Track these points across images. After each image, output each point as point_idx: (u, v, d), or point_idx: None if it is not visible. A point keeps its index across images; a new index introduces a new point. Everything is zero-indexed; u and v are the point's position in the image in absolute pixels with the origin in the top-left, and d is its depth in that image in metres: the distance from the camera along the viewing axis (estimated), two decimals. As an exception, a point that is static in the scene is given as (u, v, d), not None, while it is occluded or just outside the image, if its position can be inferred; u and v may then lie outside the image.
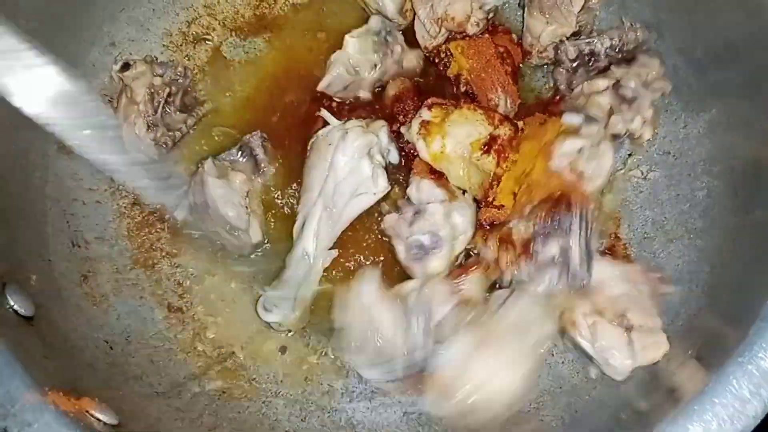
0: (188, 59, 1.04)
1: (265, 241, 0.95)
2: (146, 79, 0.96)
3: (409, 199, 0.90)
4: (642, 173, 0.96)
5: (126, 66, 0.97)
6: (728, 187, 0.86)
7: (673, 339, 0.82)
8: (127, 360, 0.87)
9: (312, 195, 0.91)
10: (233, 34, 1.05)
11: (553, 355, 0.92)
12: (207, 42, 1.05)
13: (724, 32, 0.86)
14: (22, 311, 0.75)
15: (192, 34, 1.04)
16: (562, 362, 0.91)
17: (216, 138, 1.01)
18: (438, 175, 0.90)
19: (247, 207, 0.92)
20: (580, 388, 0.87)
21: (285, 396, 0.91)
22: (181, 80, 0.99)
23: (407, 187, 0.91)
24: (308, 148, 0.94)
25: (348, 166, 0.90)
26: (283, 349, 0.93)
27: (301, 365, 0.93)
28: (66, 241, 0.90)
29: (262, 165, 0.97)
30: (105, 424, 0.71)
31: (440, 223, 0.87)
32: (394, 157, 0.94)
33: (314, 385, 0.92)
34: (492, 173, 0.88)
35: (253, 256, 0.96)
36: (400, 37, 1.00)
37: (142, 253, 0.96)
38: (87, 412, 0.70)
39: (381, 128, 0.94)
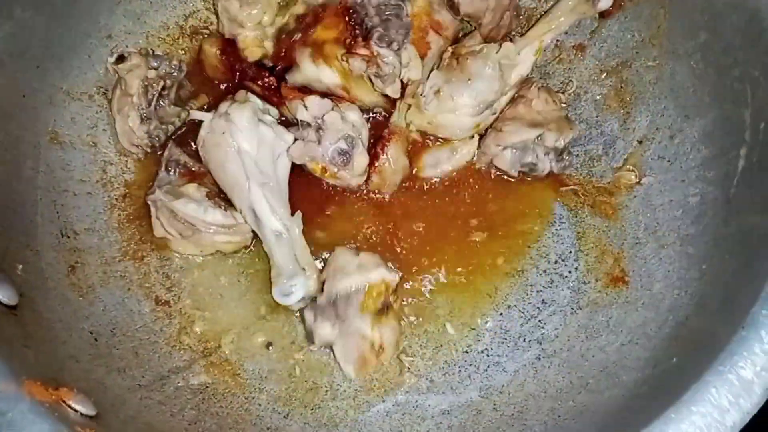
0: (185, 53, 1.04)
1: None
2: (141, 72, 0.96)
3: (301, 122, 0.92)
4: (635, 177, 0.95)
5: (121, 58, 0.97)
6: (722, 194, 0.85)
7: (659, 346, 0.81)
8: (111, 352, 0.87)
9: (242, 185, 0.90)
10: (230, 28, 1.05)
11: (539, 359, 0.91)
12: (204, 35, 1.04)
13: (721, 37, 0.85)
14: (5, 300, 0.75)
15: (189, 27, 1.04)
16: (548, 366, 0.90)
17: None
18: (307, 91, 0.94)
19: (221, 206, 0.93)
20: (564, 392, 0.86)
21: (269, 392, 0.91)
22: (176, 74, 0.99)
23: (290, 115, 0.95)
24: (200, 152, 0.94)
25: (253, 140, 0.90)
26: (269, 345, 0.93)
27: (287, 361, 0.93)
28: (55, 232, 0.90)
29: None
30: (82, 414, 0.71)
31: (343, 125, 0.91)
32: (273, 111, 0.96)
33: (298, 381, 0.92)
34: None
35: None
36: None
37: (132, 245, 0.96)
38: (64, 402, 0.70)
39: (247, 95, 0.95)
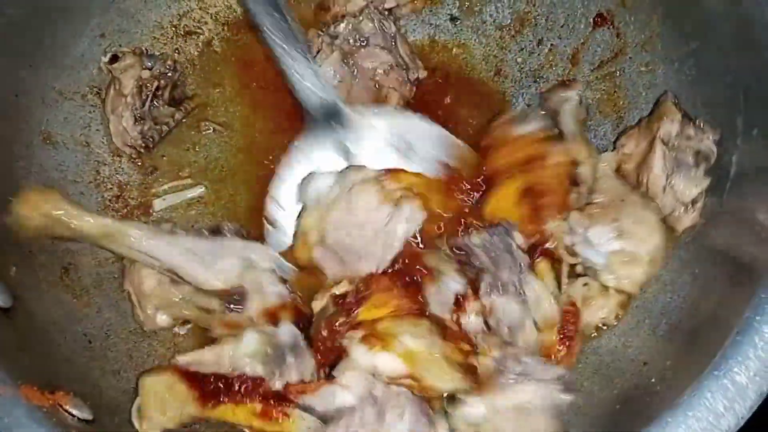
0: (178, 53, 1.03)
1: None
2: (135, 72, 0.96)
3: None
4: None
5: (115, 58, 0.97)
6: (714, 199, 0.86)
7: (653, 348, 0.82)
8: (105, 354, 0.87)
9: None
10: (225, 28, 1.04)
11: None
12: (198, 36, 1.04)
13: (714, 44, 0.86)
14: (-1, 302, 0.75)
15: (183, 27, 1.04)
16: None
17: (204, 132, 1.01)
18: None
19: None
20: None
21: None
22: (170, 74, 0.99)
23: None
24: None
25: None
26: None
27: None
28: (48, 233, 0.89)
29: None
30: (79, 419, 0.71)
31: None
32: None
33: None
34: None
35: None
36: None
37: (125, 246, 0.95)
38: (60, 406, 0.69)
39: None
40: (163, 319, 0.88)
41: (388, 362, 0.74)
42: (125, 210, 0.96)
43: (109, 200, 0.96)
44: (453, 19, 1.05)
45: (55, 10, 0.91)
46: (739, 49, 0.83)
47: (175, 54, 1.02)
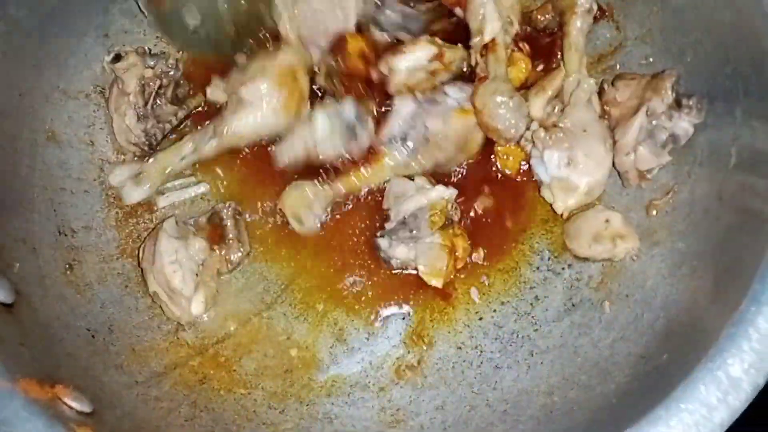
0: (180, 51, 1.04)
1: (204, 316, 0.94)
2: (138, 71, 0.97)
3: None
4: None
5: (118, 57, 0.97)
6: (713, 191, 0.85)
7: (651, 342, 0.82)
8: (108, 349, 0.87)
9: None
10: (227, 27, 1.05)
11: (532, 355, 0.92)
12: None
13: (713, 35, 0.85)
14: (1, 298, 0.76)
15: (186, 26, 1.05)
16: (541, 362, 0.91)
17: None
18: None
19: (197, 275, 0.92)
20: (556, 388, 0.87)
21: (264, 388, 0.91)
22: (172, 72, 0.99)
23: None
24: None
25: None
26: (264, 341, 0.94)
27: (282, 357, 0.94)
28: (52, 230, 0.91)
29: (229, 237, 0.94)
30: (78, 412, 0.72)
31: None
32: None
33: (294, 377, 0.92)
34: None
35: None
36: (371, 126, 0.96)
37: (129, 243, 0.96)
38: (59, 399, 0.71)
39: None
40: (197, 306, 0.91)
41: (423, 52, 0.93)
42: (129, 207, 0.97)
43: (114, 198, 0.97)
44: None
45: (58, 10, 0.92)
46: (738, 39, 0.82)
47: (178, 53, 1.03)
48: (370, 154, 0.95)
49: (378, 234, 0.94)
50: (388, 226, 0.93)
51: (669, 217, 0.90)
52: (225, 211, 0.95)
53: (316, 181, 0.94)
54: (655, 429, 0.65)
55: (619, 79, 0.94)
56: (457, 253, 0.93)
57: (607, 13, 0.98)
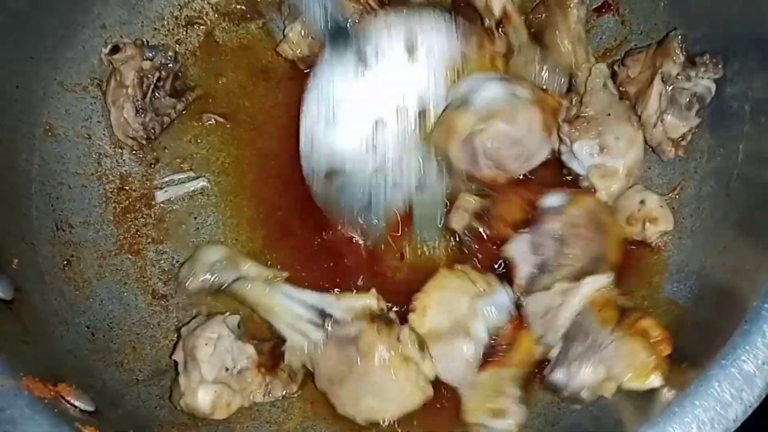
0: (179, 43, 1.02)
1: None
2: (136, 63, 0.95)
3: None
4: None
5: (115, 49, 0.96)
6: (721, 187, 0.85)
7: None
8: (108, 346, 0.86)
9: None
10: (226, 18, 1.03)
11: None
12: (199, 26, 1.03)
13: (721, 29, 0.85)
14: (0, 295, 0.74)
15: (184, 17, 1.03)
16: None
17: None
18: None
19: (227, 370, 0.83)
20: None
21: (267, 385, 0.90)
22: (171, 64, 0.98)
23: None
24: None
25: None
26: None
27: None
28: (50, 225, 0.89)
29: (281, 369, 0.87)
30: (81, 410, 0.71)
31: None
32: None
33: (297, 376, 0.91)
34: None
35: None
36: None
37: (128, 238, 0.95)
38: (63, 398, 0.69)
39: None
40: (205, 397, 0.81)
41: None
42: (127, 202, 0.96)
43: (111, 192, 0.96)
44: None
45: (54, 2, 0.90)
46: (746, 33, 0.82)
47: (176, 45, 1.02)
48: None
49: (546, 371, 0.81)
50: (554, 353, 0.80)
51: (676, 214, 0.89)
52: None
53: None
54: (670, 426, 0.64)
55: (627, 57, 0.93)
56: (654, 335, 0.76)
57: (612, 7, 0.98)
